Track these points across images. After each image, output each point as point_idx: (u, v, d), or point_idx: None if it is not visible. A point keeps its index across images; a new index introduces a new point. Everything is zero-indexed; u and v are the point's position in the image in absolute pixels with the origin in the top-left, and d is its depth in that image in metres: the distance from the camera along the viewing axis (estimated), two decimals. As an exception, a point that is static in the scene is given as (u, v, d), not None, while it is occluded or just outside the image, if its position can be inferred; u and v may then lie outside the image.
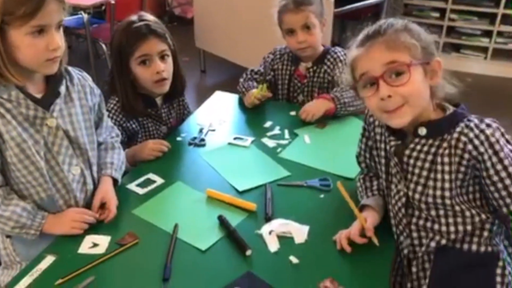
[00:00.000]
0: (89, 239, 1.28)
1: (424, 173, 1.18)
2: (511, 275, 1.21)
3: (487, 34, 4.29)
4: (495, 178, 1.09)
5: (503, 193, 1.11)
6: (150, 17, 1.72)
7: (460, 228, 1.17)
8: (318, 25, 1.93)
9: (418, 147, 1.18)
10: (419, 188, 1.19)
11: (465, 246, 1.18)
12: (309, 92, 2.05)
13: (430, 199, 1.17)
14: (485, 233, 1.17)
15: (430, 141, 1.16)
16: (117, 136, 1.58)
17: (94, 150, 1.42)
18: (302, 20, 1.90)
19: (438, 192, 1.16)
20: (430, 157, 1.16)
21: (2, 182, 1.26)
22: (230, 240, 1.28)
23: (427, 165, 1.17)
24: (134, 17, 1.70)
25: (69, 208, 1.34)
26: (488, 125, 1.10)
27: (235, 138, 1.79)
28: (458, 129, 1.12)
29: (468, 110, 1.18)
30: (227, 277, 1.15)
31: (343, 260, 1.23)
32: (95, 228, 1.32)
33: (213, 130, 1.86)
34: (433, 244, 1.20)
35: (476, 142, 1.09)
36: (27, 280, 1.15)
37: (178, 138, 1.80)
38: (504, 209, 1.13)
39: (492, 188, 1.11)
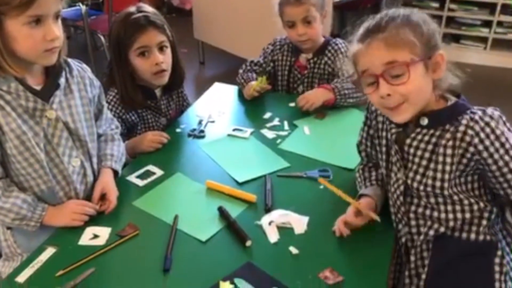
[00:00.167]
0: (90, 231, 1.28)
1: (424, 162, 1.18)
2: (509, 264, 1.22)
3: (487, 24, 4.28)
4: (505, 169, 1.11)
5: (509, 176, 1.12)
6: (148, 8, 1.71)
7: (459, 216, 1.18)
8: (319, 17, 1.92)
9: (419, 136, 1.18)
10: (418, 177, 1.19)
11: (464, 235, 1.19)
12: (309, 83, 2.04)
13: (429, 188, 1.18)
14: (484, 222, 1.18)
15: (432, 131, 1.17)
16: (117, 128, 1.58)
17: (94, 142, 1.42)
18: (303, 13, 1.89)
19: (438, 183, 1.16)
20: (430, 147, 1.17)
21: (2, 174, 1.26)
22: (230, 231, 1.29)
23: (427, 154, 1.17)
24: (132, 9, 1.69)
25: (69, 200, 1.35)
26: (491, 117, 1.10)
27: (234, 130, 1.79)
28: (464, 122, 1.12)
29: (467, 101, 1.18)
30: (227, 268, 1.15)
31: (342, 250, 1.23)
32: (95, 219, 1.32)
33: (213, 122, 1.86)
34: (431, 232, 1.20)
35: (482, 135, 1.09)
36: (28, 271, 1.15)
37: (178, 130, 1.80)
38: (502, 192, 1.15)
39: (501, 179, 1.13)
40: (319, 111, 1.88)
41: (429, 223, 1.22)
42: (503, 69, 4.26)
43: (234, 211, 1.35)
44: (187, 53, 3.97)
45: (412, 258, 1.25)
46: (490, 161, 1.11)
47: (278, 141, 1.72)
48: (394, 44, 1.10)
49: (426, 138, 1.17)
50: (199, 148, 1.69)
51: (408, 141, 1.20)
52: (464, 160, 1.13)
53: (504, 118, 1.12)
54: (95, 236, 1.26)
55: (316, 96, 1.87)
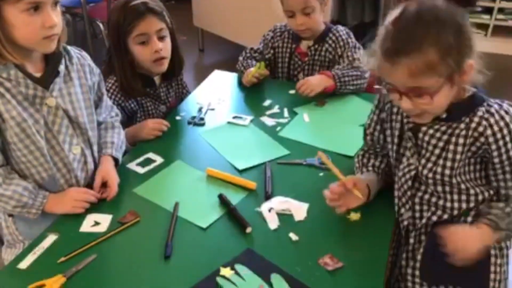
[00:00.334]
0: (91, 218, 1.29)
1: (437, 151, 1.18)
2: (507, 248, 1.23)
3: (488, 11, 4.25)
4: (506, 163, 1.12)
5: (509, 183, 1.14)
6: (147, -5, 1.70)
7: (464, 205, 1.19)
8: (319, 7, 1.90)
9: (436, 126, 1.17)
10: (429, 164, 1.19)
11: (462, 219, 1.20)
12: (310, 71, 2.04)
13: (438, 176, 1.18)
14: None
15: (449, 123, 1.16)
16: (117, 115, 1.58)
17: (94, 129, 1.42)
18: (302, 4, 1.87)
19: (447, 171, 1.17)
20: (445, 137, 1.16)
21: (3, 161, 1.27)
22: (230, 218, 1.30)
23: (441, 144, 1.17)
24: None
25: (70, 188, 1.35)
26: (507, 112, 1.11)
27: (234, 117, 1.79)
28: (479, 113, 1.11)
29: (484, 92, 1.16)
30: (227, 254, 1.16)
31: (342, 236, 1.24)
32: (96, 207, 1.33)
33: (212, 109, 1.86)
34: (434, 218, 1.21)
35: (496, 128, 1.10)
36: (29, 258, 1.16)
37: (177, 118, 1.80)
38: (503, 191, 1.16)
39: (499, 171, 1.14)
40: (319, 99, 1.88)
41: (433, 209, 1.22)
42: (504, 56, 4.25)
43: (234, 198, 1.36)
44: (186, 40, 3.95)
45: (411, 240, 1.26)
46: (495, 153, 1.12)
47: (278, 128, 1.72)
48: (418, 73, 1.03)
49: (443, 128, 1.16)
50: (199, 136, 1.69)
51: (423, 129, 1.19)
52: (473, 148, 1.13)
53: None
54: (96, 223, 1.27)
55: (317, 82, 1.87)
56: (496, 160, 1.12)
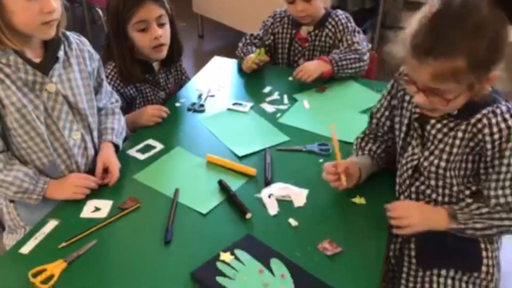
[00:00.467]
0: (91, 204, 1.29)
1: (441, 145, 1.18)
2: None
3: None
4: (496, 169, 1.11)
5: (493, 184, 1.13)
6: (147, -19, 1.68)
7: (452, 200, 1.20)
8: None
9: (445, 121, 1.17)
10: (431, 157, 1.19)
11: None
12: (310, 56, 2.03)
13: (433, 168, 1.19)
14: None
15: (458, 120, 1.15)
16: (117, 101, 1.58)
17: (94, 115, 1.42)
18: None
19: (443, 163, 1.17)
20: (452, 133, 1.16)
21: (3, 147, 1.27)
22: (230, 204, 1.30)
23: (446, 138, 1.17)
24: None
25: (71, 173, 1.35)
26: None
27: (234, 104, 1.79)
28: (484, 111, 1.10)
29: (502, 94, 1.14)
30: (227, 240, 1.17)
31: (341, 222, 1.25)
32: (97, 193, 1.33)
33: (212, 96, 1.86)
34: None
35: (495, 129, 1.09)
36: (31, 243, 1.17)
37: (177, 104, 1.80)
38: (485, 192, 1.15)
39: (490, 171, 1.13)
40: (319, 85, 1.88)
41: (426, 200, 1.23)
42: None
43: (234, 184, 1.37)
44: (186, 26, 3.93)
45: None
46: (489, 153, 1.11)
47: (278, 115, 1.72)
48: (442, 77, 1.01)
49: (451, 124, 1.16)
50: (199, 122, 1.69)
51: (432, 122, 1.19)
52: (471, 144, 1.13)
53: None
54: (97, 209, 1.28)
55: (314, 67, 1.87)
56: (488, 159, 1.12)
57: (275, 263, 1.09)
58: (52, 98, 1.28)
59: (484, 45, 0.98)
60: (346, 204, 1.29)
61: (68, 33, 1.36)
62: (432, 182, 1.21)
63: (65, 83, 1.31)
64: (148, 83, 1.79)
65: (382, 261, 1.14)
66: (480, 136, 1.11)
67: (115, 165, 1.39)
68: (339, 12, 2.01)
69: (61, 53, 1.30)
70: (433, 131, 1.19)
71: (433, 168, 1.19)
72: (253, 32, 2.10)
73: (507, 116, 1.09)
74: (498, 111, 1.09)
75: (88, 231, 1.20)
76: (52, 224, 1.23)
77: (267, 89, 1.89)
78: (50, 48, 1.28)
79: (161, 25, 1.67)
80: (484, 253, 1.21)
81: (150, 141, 1.57)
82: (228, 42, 3.90)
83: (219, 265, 1.09)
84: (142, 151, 1.53)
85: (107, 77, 1.67)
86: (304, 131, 1.63)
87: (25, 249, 1.16)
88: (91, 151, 1.41)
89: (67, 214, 1.27)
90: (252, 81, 1.97)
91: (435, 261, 1.21)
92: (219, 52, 2.31)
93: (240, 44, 2.07)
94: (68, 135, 1.33)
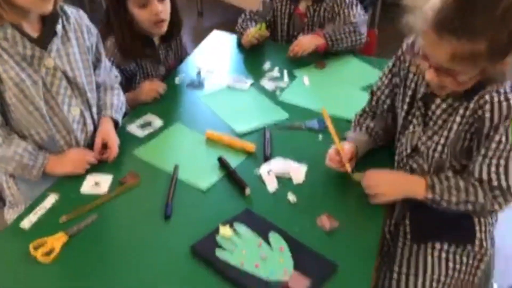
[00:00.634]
0: (91, 179, 1.30)
1: (444, 125, 1.18)
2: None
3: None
4: (487, 144, 1.11)
5: (479, 158, 1.13)
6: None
7: None
8: None
9: (449, 101, 1.17)
10: (433, 137, 1.20)
11: None
12: (310, 32, 2.01)
13: (432, 146, 1.19)
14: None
15: (464, 100, 1.14)
16: (116, 77, 1.57)
17: (93, 91, 1.41)
18: None
19: (442, 140, 1.18)
20: (455, 112, 1.15)
21: (2, 122, 1.26)
22: (229, 180, 1.31)
23: (450, 118, 1.17)
24: None
25: (71, 149, 1.36)
26: None
27: (233, 80, 1.78)
28: (488, 89, 1.10)
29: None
30: (226, 215, 1.18)
31: (339, 197, 1.26)
32: (96, 168, 1.34)
33: (211, 72, 1.84)
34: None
35: (495, 106, 1.09)
36: (31, 218, 1.18)
37: (176, 80, 1.79)
38: (470, 166, 1.16)
39: (480, 149, 1.13)
40: (318, 60, 1.87)
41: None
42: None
43: (234, 161, 1.37)
44: (185, 3, 3.88)
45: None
46: (485, 131, 1.11)
47: (278, 92, 1.72)
48: (459, 58, 0.99)
49: (456, 104, 1.16)
50: (198, 99, 1.69)
51: (437, 101, 1.18)
52: (471, 120, 1.13)
53: None
54: (97, 184, 1.28)
55: (307, 41, 1.87)
56: (483, 135, 1.12)
57: (273, 236, 1.11)
58: (50, 73, 1.27)
59: (507, 33, 0.97)
60: (344, 180, 1.29)
61: (66, 7, 1.35)
62: (425, 166, 1.22)
63: (63, 58, 1.30)
64: (148, 58, 1.78)
65: (379, 236, 1.15)
66: (480, 112, 1.11)
67: (114, 141, 1.39)
68: None
69: (59, 28, 1.29)
70: (438, 111, 1.18)
71: (432, 146, 1.19)
72: (252, 9, 2.08)
73: (509, 95, 1.09)
74: (501, 90, 1.09)
75: (88, 205, 1.21)
76: (52, 198, 1.24)
77: (266, 66, 1.88)
78: (48, 22, 1.27)
79: (161, 0, 1.65)
80: (477, 227, 1.23)
81: (150, 117, 1.57)
82: (227, 19, 3.85)
83: (218, 238, 1.10)
84: (142, 127, 1.52)
85: (106, 52, 1.65)
86: (303, 108, 1.63)
87: (26, 224, 1.16)
88: (90, 127, 1.41)
89: (67, 189, 1.27)
90: (252, 57, 1.96)
91: (429, 235, 1.23)
92: (218, 28, 2.28)
93: (240, 20, 2.05)
94: (67, 111, 1.33)
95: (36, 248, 1.08)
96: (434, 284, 1.17)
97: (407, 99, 1.26)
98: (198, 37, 2.16)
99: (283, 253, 1.07)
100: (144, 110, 1.60)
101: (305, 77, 1.79)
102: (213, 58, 1.94)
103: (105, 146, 1.38)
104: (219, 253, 1.07)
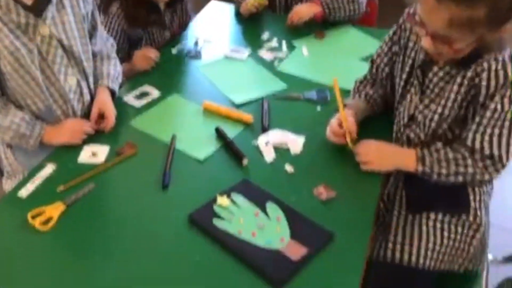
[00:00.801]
0: (88, 149, 1.30)
1: (441, 93, 1.17)
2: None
3: None
4: (481, 112, 1.11)
5: (473, 127, 1.13)
6: None
7: None
8: None
9: (447, 68, 1.16)
10: (430, 105, 1.19)
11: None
12: (309, 1, 1.98)
13: (429, 115, 1.18)
14: None
15: (461, 68, 1.14)
16: (112, 46, 1.55)
17: (89, 60, 1.39)
18: None
19: (439, 109, 1.17)
20: (453, 80, 1.15)
21: (-1, 92, 1.26)
22: (227, 150, 1.31)
23: (446, 86, 1.16)
24: None
25: (68, 119, 1.35)
26: None
27: (231, 51, 1.76)
28: (486, 57, 1.09)
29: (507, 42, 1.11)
30: (224, 185, 1.18)
31: (337, 167, 1.26)
32: (93, 138, 1.33)
33: (209, 42, 1.82)
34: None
35: (492, 74, 1.08)
36: (29, 187, 1.18)
37: (173, 50, 1.77)
38: (464, 134, 1.15)
39: (474, 118, 1.13)
40: (317, 30, 1.85)
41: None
42: None
43: (231, 131, 1.36)
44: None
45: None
46: (481, 99, 1.10)
47: (276, 62, 1.70)
48: (457, 24, 0.98)
49: (453, 71, 1.15)
50: (196, 69, 1.67)
51: (435, 69, 1.18)
52: (468, 88, 1.12)
53: None
54: (94, 154, 1.28)
55: (304, 9, 1.85)
56: (479, 103, 1.11)
57: (270, 206, 1.11)
58: (46, 41, 1.26)
59: (507, 0, 0.96)
60: (342, 151, 1.29)
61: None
62: (421, 135, 1.22)
63: (58, 26, 1.28)
64: (154, 25, 1.75)
65: (375, 205, 1.16)
66: (477, 80, 1.10)
67: (110, 111, 1.38)
68: None
69: (53, -5, 1.26)
70: (435, 79, 1.18)
71: (429, 115, 1.19)
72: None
73: (507, 64, 1.08)
74: (500, 58, 1.08)
75: (86, 175, 1.21)
76: (49, 168, 1.24)
77: (265, 36, 1.85)
78: (42, -11, 1.24)
79: None
80: (471, 197, 1.23)
81: (147, 88, 1.55)
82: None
83: (215, 208, 1.11)
84: (139, 97, 1.51)
85: (112, 17, 1.63)
86: (302, 79, 1.61)
87: (23, 193, 1.17)
88: (87, 97, 1.40)
89: (65, 158, 1.27)
90: (250, 27, 1.93)
91: (424, 205, 1.23)
92: (217, -2, 2.25)
93: (238, -10, 2.01)
94: (63, 80, 1.31)
95: (34, 218, 1.08)
96: (429, 253, 1.18)
97: (407, 68, 1.26)
98: (197, 6, 2.13)
99: (280, 223, 1.07)
100: (141, 81, 1.59)
101: (304, 48, 1.77)
102: (211, 28, 1.92)
103: (101, 116, 1.37)
104: (216, 222, 1.07)
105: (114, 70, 1.48)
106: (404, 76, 1.27)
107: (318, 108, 1.47)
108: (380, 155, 1.22)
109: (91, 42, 1.41)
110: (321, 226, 1.07)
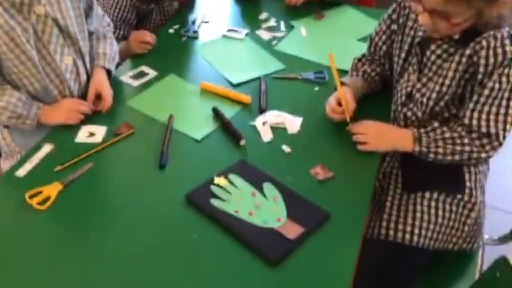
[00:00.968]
0: (85, 129, 1.30)
1: (439, 71, 1.17)
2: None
3: None
4: (479, 90, 1.10)
5: (471, 105, 1.12)
6: None
7: None
8: None
9: (445, 46, 1.15)
10: (428, 83, 1.19)
11: None
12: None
13: (427, 94, 1.18)
14: None
15: (459, 46, 1.13)
16: (108, 25, 1.53)
17: (85, 39, 1.38)
18: None
19: (437, 87, 1.17)
20: (451, 58, 1.14)
21: (-6, 72, 1.25)
22: (224, 131, 1.30)
23: (444, 64, 1.16)
24: None
25: (64, 99, 1.34)
26: None
27: (229, 31, 1.75)
28: (485, 35, 1.08)
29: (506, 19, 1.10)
30: (221, 165, 1.18)
31: (334, 148, 1.26)
32: (90, 118, 1.33)
33: (206, 22, 1.81)
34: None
35: (491, 52, 1.07)
36: (26, 167, 1.18)
37: (170, 30, 1.75)
38: (461, 113, 1.15)
39: (470, 99, 1.13)
40: (316, 11, 1.83)
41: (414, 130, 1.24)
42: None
43: (229, 112, 1.36)
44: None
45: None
46: (479, 77, 1.10)
47: (274, 42, 1.69)
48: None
49: (452, 50, 1.14)
50: (193, 49, 1.66)
51: (432, 47, 1.17)
52: (466, 66, 1.12)
53: None
54: (91, 134, 1.28)
55: None
56: (477, 81, 1.11)
57: (267, 186, 1.11)
58: (41, 20, 1.24)
59: None
60: (339, 131, 1.29)
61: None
62: (419, 114, 1.21)
63: (54, 5, 1.26)
64: None
65: (372, 185, 1.16)
66: (475, 58, 1.10)
67: (107, 91, 1.37)
68: None
69: (48, -27, 1.25)
70: (433, 57, 1.17)
71: (427, 94, 1.18)
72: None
73: (506, 41, 1.07)
74: (499, 35, 1.08)
75: (83, 155, 1.21)
76: (47, 148, 1.24)
77: (263, 16, 1.84)
78: (37, -33, 1.23)
79: None
80: (466, 176, 1.24)
81: (143, 68, 1.54)
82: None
83: (213, 188, 1.11)
84: (135, 77, 1.51)
85: None
86: (300, 59, 1.60)
87: (21, 173, 1.17)
88: (83, 76, 1.39)
89: (62, 139, 1.27)
90: (248, 7, 1.91)
91: (419, 184, 1.24)
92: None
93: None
94: (59, 60, 1.30)
95: (31, 197, 1.08)
96: (424, 232, 1.19)
97: (405, 47, 1.25)
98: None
99: (276, 202, 1.08)
100: (138, 61, 1.58)
101: (302, 28, 1.76)
102: (209, 7, 1.90)
103: (98, 96, 1.37)
104: (214, 202, 1.07)
105: (110, 49, 1.46)
106: (402, 54, 1.26)
107: (316, 88, 1.47)
108: (378, 136, 1.22)
109: (87, 21, 1.40)
110: (317, 206, 1.07)
